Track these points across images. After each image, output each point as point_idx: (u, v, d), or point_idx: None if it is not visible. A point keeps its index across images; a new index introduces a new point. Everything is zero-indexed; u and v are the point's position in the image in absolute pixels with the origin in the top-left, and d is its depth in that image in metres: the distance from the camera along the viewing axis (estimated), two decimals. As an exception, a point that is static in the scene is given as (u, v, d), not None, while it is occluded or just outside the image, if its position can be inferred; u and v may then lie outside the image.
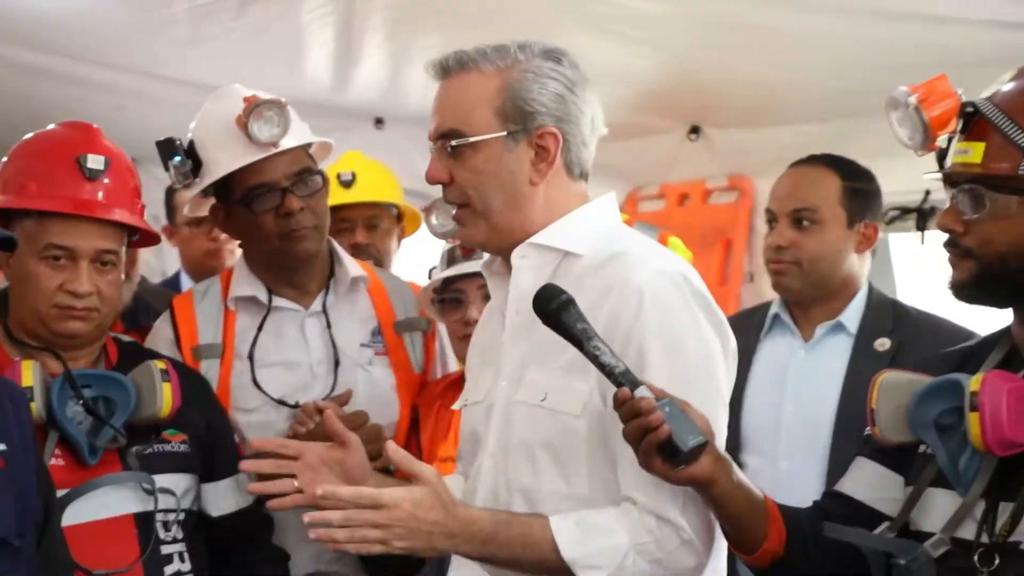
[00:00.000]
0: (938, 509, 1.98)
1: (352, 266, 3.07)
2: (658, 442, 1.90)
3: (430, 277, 3.01)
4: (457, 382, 2.87)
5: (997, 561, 1.87)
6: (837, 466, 2.98)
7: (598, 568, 2.05)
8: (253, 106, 2.83)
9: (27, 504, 2.10)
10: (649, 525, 2.07)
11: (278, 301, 2.98)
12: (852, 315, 3.22)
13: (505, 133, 2.18)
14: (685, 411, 1.93)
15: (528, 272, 2.22)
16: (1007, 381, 1.87)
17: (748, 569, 2.23)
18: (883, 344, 3.16)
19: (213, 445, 2.72)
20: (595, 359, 1.97)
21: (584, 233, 2.21)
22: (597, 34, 3.91)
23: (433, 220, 3.04)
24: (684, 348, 2.12)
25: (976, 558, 1.89)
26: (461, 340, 2.89)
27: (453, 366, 3.19)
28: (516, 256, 2.23)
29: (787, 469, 3.11)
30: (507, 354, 2.25)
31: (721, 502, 2.04)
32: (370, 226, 3.96)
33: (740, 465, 3.08)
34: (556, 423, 2.16)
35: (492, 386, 2.27)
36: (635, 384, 1.94)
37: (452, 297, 2.94)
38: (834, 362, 3.18)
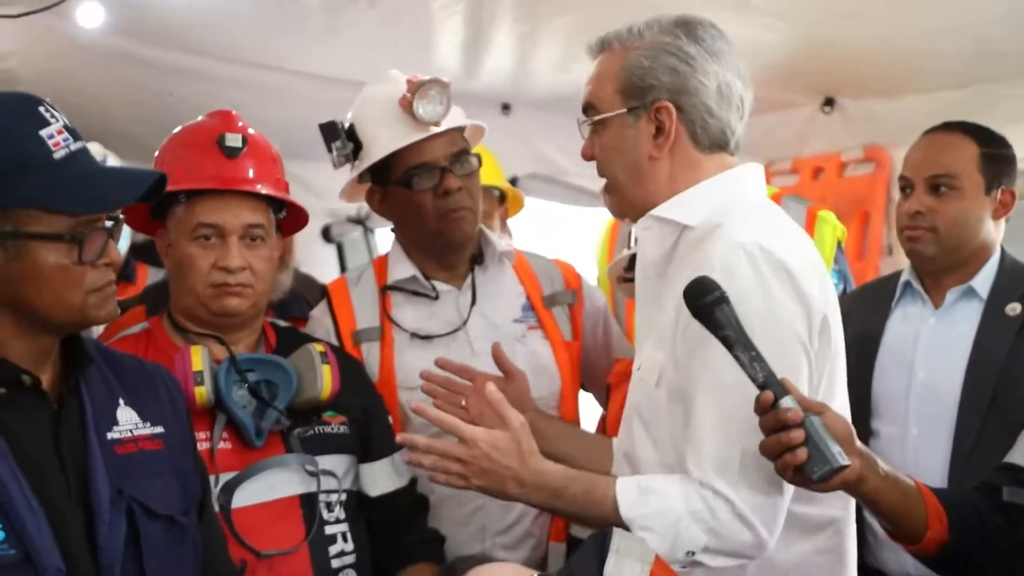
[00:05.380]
0: None
1: (498, 242, 3.11)
2: (796, 464, 1.93)
3: None
4: None
5: None
6: (963, 431, 3.03)
7: (651, 530, 2.11)
8: (419, 85, 2.88)
9: (187, 483, 2.17)
10: (704, 495, 2.12)
11: (434, 282, 3.03)
12: (984, 280, 3.18)
13: (625, 110, 2.25)
14: (827, 426, 1.93)
15: (650, 243, 2.31)
16: None
17: (919, 561, 2.21)
18: (1014, 309, 3.12)
19: (369, 426, 2.75)
20: (741, 364, 1.99)
21: (701, 205, 2.24)
22: (725, 8, 3.87)
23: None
24: (749, 312, 2.08)
25: None
26: None
27: (619, 339, 3.24)
28: (638, 227, 2.31)
29: (916, 435, 3.10)
30: (638, 321, 2.35)
31: (873, 499, 2.05)
32: None
33: (871, 432, 3.16)
34: (645, 392, 2.26)
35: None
36: (781, 393, 1.95)
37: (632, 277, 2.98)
38: (964, 327, 3.15)
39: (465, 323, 3.00)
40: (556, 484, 2.20)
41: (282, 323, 2.86)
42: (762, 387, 1.95)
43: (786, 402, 1.93)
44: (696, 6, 3.75)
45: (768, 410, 1.94)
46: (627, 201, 2.32)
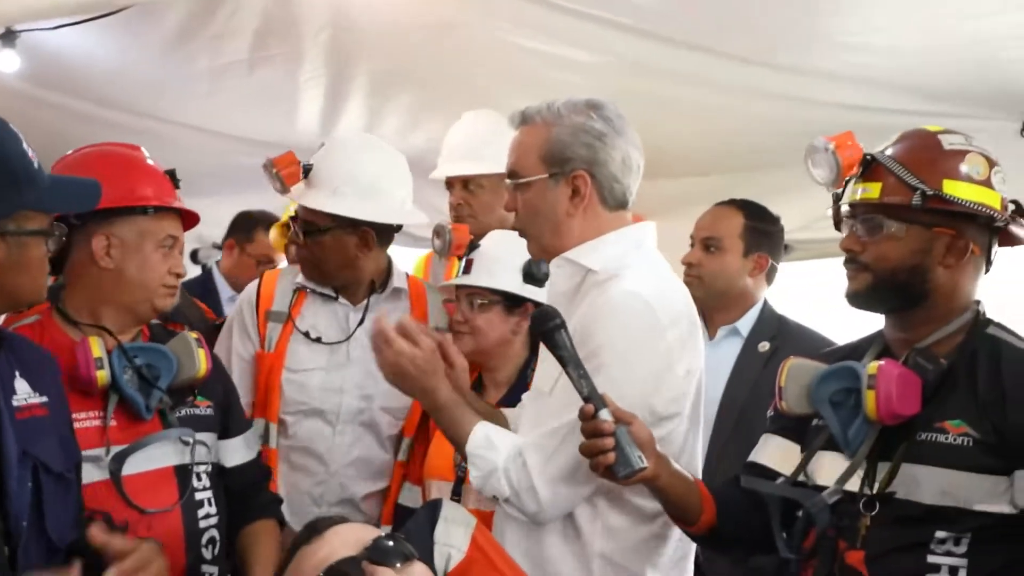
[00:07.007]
0: (828, 468, 2.00)
1: (399, 279, 3.08)
2: (606, 464, 1.92)
3: None
4: None
5: (877, 507, 1.91)
6: (717, 436, 3.11)
7: (476, 468, 2.17)
8: (268, 165, 2.94)
9: (68, 445, 2.04)
10: (517, 462, 2.12)
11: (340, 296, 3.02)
12: (746, 323, 3.27)
13: (547, 175, 2.19)
14: (633, 436, 1.92)
15: (561, 279, 2.24)
16: (896, 367, 1.91)
17: (692, 539, 2.23)
18: (764, 346, 3.22)
19: (228, 409, 2.64)
20: (571, 379, 1.97)
21: (603, 253, 2.19)
22: (529, 98, 3.89)
23: (436, 242, 3.05)
24: (628, 352, 2.10)
25: (861, 505, 1.92)
26: (454, 334, 2.89)
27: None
28: (553, 266, 2.24)
29: None
30: None
31: (664, 491, 2.05)
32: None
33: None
34: (538, 394, 2.25)
35: None
36: (600, 406, 1.93)
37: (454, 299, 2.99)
38: (727, 357, 3.23)
39: (349, 338, 2.97)
40: (440, 402, 2.22)
41: (154, 320, 2.67)
42: (586, 399, 1.93)
43: (603, 414, 1.91)
44: (508, 94, 3.78)
45: (588, 419, 1.93)
46: (545, 248, 2.25)
